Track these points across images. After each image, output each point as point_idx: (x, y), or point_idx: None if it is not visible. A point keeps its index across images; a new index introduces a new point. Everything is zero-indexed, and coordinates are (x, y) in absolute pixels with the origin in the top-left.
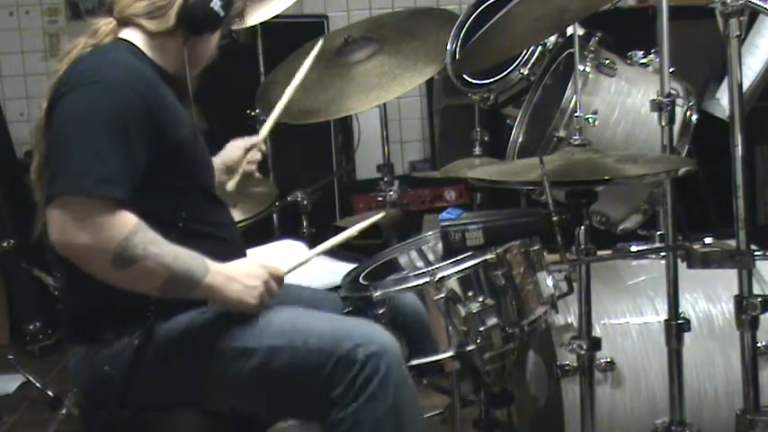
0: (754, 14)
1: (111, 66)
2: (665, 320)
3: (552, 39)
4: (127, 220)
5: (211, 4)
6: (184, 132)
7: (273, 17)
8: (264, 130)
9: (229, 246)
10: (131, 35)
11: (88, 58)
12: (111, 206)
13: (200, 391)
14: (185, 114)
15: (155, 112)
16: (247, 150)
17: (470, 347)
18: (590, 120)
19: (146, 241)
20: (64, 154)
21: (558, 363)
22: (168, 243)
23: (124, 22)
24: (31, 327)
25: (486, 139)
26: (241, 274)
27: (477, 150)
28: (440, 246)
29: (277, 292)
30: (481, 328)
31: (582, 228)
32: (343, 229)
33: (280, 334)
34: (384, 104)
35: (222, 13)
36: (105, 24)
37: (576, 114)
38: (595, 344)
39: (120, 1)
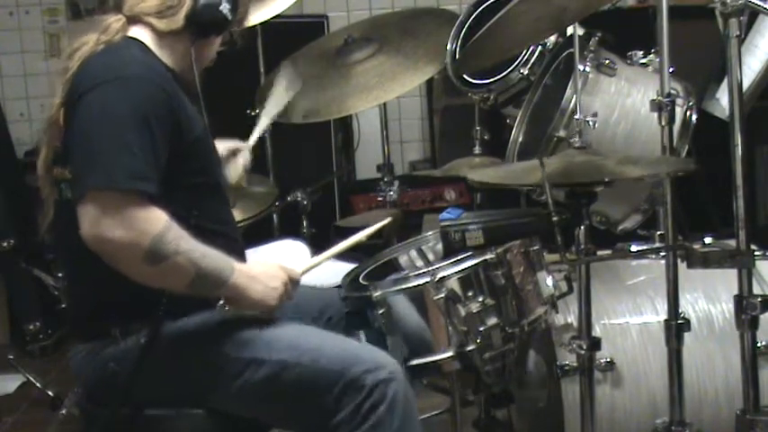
0: (754, 14)
1: (131, 63)
2: (665, 320)
3: (552, 39)
4: (159, 216)
5: (220, 8)
6: (198, 130)
7: (273, 17)
8: (253, 138)
9: (235, 244)
10: (140, 33)
11: (104, 55)
12: (143, 201)
13: (204, 393)
14: (197, 112)
15: (174, 109)
16: (232, 153)
17: (470, 347)
18: (590, 122)
19: (177, 238)
20: (92, 150)
21: (558, 363)
22: (197, 241)
23: (133, 19)
24: (31, 327)
25: (485, 137)
26: (263, 275)
27: (477, 149)
28: (440, 246)
29: (293, 294)
30: (481, 328)
31: (582, 228)
32: (345, 229)
33: (290, 348)
34: (384, 104)
35: (230, 17)
36: (115, 21)
37: (575, 116)
38: (595, 344)
39: None
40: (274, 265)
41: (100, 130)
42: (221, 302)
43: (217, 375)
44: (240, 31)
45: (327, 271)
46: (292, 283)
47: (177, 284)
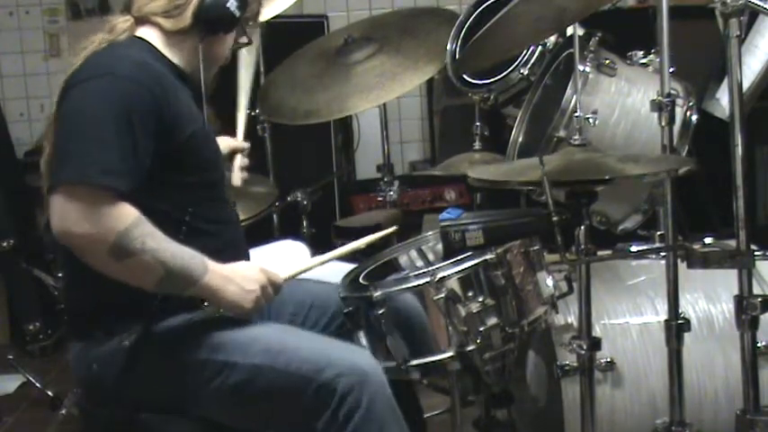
0: (754, 14)
1: (120, 60)
2: (665, 320)
3: (552, 39)
4: (128, 212)
5: (227, 5)
6: (194, 129)
7: (273, 17)
8: (240, 131)
9: (231, 245)
10: (148, 33)
11: (100, 53)
12: (112, 197)
13: (184, 398)
14: (197, 112)
15: (163, 109)
16: (232, 154)
17: (470, 347)
18: (590, 120)
19: (144, 235)
20: (69, 144)
21: (558, 363)
22: (168, 240)
23: (141, 20)
24: (31, 327)
25: (485, 133)
26: (239, 277)
27: (476, 145)
28: (440, 246)
29: (273, 298)
30: (481, 328)
31: (582, 228)
32: (344, 228)
33: (264, 352)
34: (384, 104)
35: (238, 14)
36: (122, 22)
37: (575, 114)
38: (595, 344)
39: None
40: (255, 267)
41: (78, 124)
42: (206, 303)
43: (192, 378)
44: (256, 27)
45: (327, 271)
46: (273, 286)
47: (145, 282)
